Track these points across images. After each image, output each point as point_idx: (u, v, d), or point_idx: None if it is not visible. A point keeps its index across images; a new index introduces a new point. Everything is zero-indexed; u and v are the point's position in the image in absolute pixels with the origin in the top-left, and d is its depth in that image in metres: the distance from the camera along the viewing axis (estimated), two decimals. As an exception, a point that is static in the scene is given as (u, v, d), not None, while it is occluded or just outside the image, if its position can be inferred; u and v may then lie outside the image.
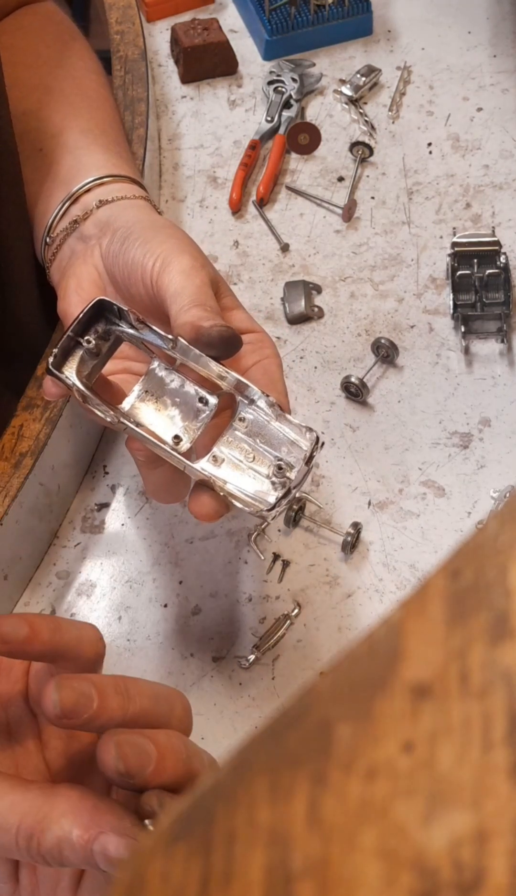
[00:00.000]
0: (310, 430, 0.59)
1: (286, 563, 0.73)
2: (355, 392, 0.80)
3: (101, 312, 0.60)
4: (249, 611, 0.71)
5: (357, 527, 0.73)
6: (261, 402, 0.59)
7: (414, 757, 0.23)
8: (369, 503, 0.75)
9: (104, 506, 0.76)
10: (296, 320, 0.85)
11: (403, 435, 0.79)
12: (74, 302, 0.65)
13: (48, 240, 0.71)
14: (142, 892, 0.24)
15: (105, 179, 0.70)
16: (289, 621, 0.70)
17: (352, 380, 0.79)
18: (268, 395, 0.58)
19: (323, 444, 0.59)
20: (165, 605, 0.72)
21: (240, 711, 0.68)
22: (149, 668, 0.70)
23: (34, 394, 0.71)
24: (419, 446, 0.78)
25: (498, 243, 0.84)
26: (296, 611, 0.71)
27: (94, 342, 0.60)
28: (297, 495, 0.74)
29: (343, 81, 1.00)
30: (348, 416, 0.80)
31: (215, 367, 0.58)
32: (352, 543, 0.72)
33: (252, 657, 0.69)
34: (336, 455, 0.78)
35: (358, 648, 0.27)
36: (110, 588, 0.72)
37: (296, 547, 0.74)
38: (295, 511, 0.74)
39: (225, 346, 0.57)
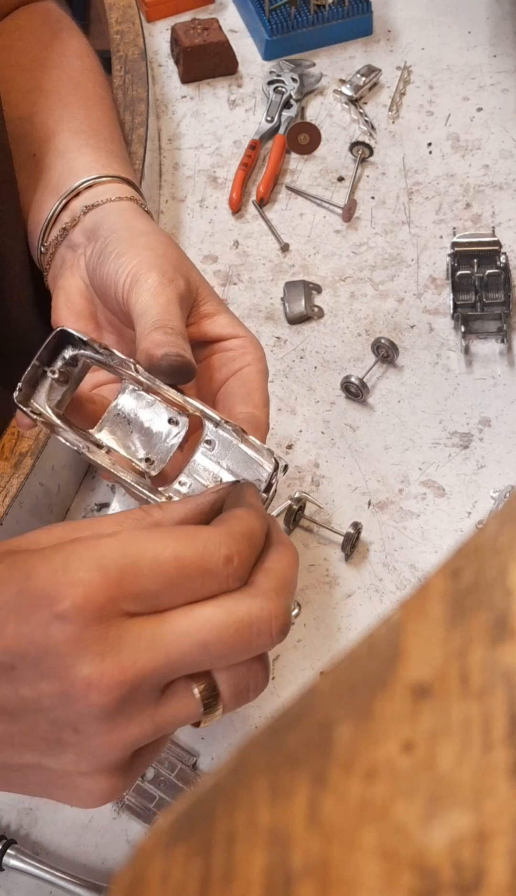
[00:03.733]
0: (272, 452, 0.58)
1: (286, 563, 0.73)
2: (355, 392, 0.80)
3: (65, 340, 0.60)
4: (249, 611, 0.71)
5: (357, 527, 0.73)
6: (225, 426, 0.59)
7: (414, 757, 0.23)
8: (369, 503, 0.75)
9: (104, 506, 0.76)
10: (296, 320, 0.85)
11: (403, 435, 0.79)
12: (64, 315, 0.65)
13: (43, 248, 0.71)
14: (142, 892, 0.24)
15: (93, 181, 0.70)
16: (289, 621, 0.70)
17: (352, 380, 0.79)
18: (227, 421, 0.58)
19: (286, 467, 0.58)
20: (165, 605, 0.72)
21: (240, 711, 0.68)
22: (149, 668, 0.69)
23: (34, 394, 0.72)
24: (419, 446, 0.78)
25: (498, 243, 0.84)
26: (296, 611, 0.71)
27: (59, 372, 0.60)
28: (297, 494, 0.74)
29: (343, 81, 1.00)
30: (348, 416, 0.80)
31: (175, 395, 0.58)
32: (352, 543, 0.72)
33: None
34: (336, 455, 0.78)
35: (358, 648, 0.27)
36: (110, 588, 0.72)
37: (296, 547, 0.74)
38: (295, 511, 0.74)
39: (176, 375, 0.57)
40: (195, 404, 0.58)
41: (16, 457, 0.69)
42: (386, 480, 0.76)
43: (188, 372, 0.57)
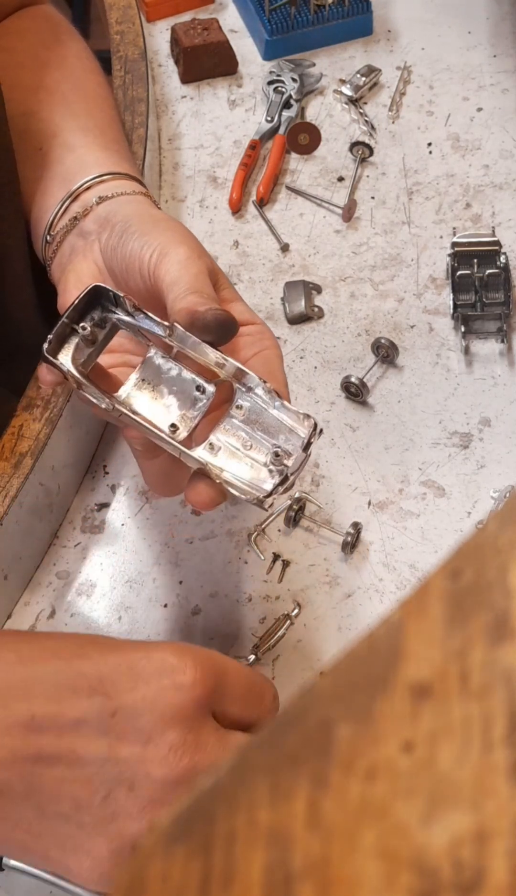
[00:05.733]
0: (308, 416, 0.58)
1: (286, 563, 0.73)
2: (355, 392, 0.80)
3: (97, 299, 0.60)
4: (249, 611, 0.71)
5: (357, 527, 0.73)
6: (259, 390, 0.58)
7: (415, 757, 0.23)
8: (369, 503, 0.75)
9: (104, 506, 0.76)
10: (296, 320, 0.85)
11: (403, 435, 0.79)
12: (74, 296, 0.65)
13: (48, 238, 0.71)
14: (142, 892, 0.24)
15: (105, 177, 0.70)
16: (289, 621, 0.70)
17: (352, 380, 0.79)
18: (265, 382, 0.58)
19: (322, 430, 0.59)
20: (165, 605, 0.72)
21: (240, 711, 0.68)
22: (150, 668, 0.69)
23: (34, 394, 0.71)
24: (419, 446, 0.78)
25: (498, 243, 0.84)
26: (296, 611, 0.71)
27: (89, 329, 0.59)
28: (297, 494, 0.74)
29: (343, 81, 1.00)
30: (348, 416, 0.80)
31: (213, 355, 0.58)
32: (351, 543, 0.72)
33: (252, 657, 0.69)
34: (336, 455, 0.78)
35: (358, 648, 0.27)
36: (110, 588, 0.72)
37: (296, 547, 0.74)
38: (295, 511, 0.74)
39: (221, 329, 0.57)
40: (234, 363, 0.58)
41: (16, 457, 0.69)
42: (386, 480, 0.76)
43: (231, 326, 0.57)
